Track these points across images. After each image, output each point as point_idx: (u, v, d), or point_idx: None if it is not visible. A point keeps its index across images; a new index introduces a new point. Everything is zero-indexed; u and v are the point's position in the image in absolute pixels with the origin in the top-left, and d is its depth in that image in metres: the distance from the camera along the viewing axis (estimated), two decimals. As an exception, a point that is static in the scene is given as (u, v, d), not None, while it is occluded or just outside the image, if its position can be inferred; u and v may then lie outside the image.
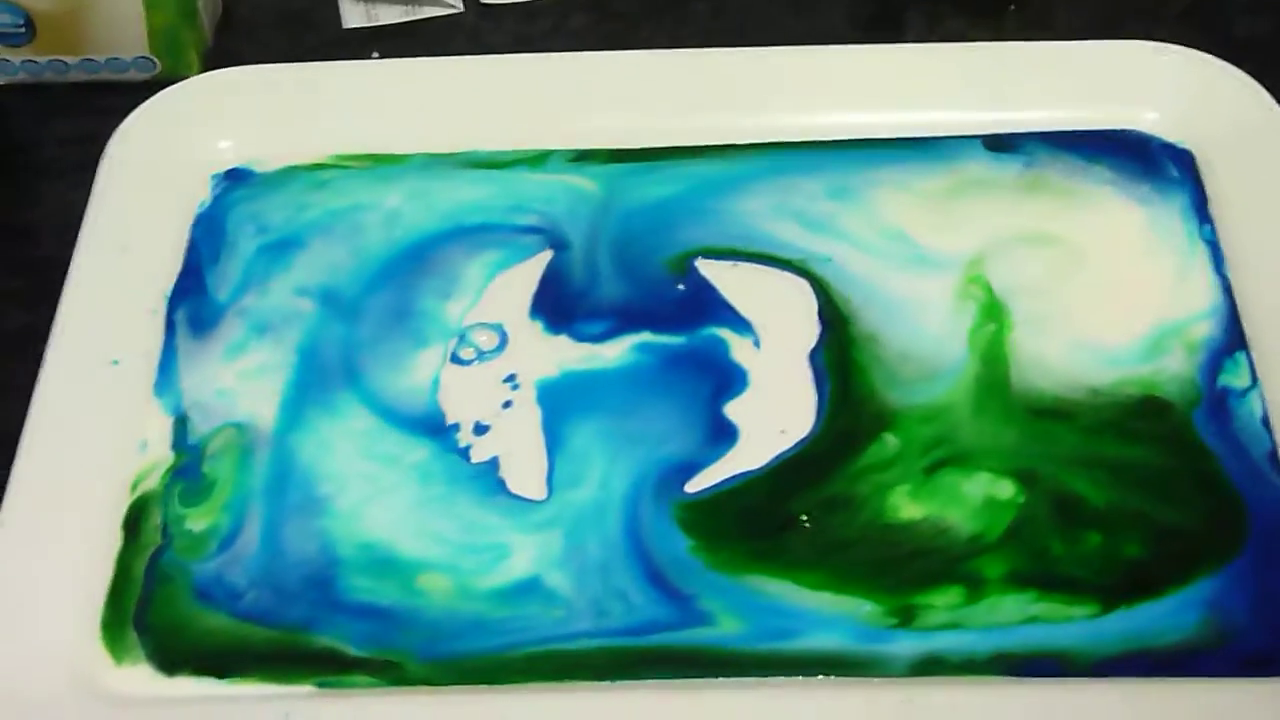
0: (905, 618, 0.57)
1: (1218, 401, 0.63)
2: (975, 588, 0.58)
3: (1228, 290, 0.66)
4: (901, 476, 0.61)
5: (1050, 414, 0.62)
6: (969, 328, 0.65)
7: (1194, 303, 0.66)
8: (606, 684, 0.56)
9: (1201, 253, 0.67)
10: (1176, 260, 0.67)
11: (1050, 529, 0.59)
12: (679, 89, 0.72)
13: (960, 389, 0.63)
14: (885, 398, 0.63)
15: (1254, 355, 0.64)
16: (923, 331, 0.65)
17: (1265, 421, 0.62)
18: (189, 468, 0.62)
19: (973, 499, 0.60)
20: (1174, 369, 0.64)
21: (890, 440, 0.62)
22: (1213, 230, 0.68)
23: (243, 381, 0.65)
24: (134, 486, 0.62)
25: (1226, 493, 0.60)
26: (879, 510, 0.60)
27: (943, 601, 0.58)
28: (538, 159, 0.71)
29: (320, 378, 0.65)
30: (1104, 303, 0.66)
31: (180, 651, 0.58)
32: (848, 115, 0.72)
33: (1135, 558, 0.58)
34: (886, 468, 0.61)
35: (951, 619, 0.57)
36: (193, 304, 0.67)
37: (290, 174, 0.71)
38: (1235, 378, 0.63)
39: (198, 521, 0.61)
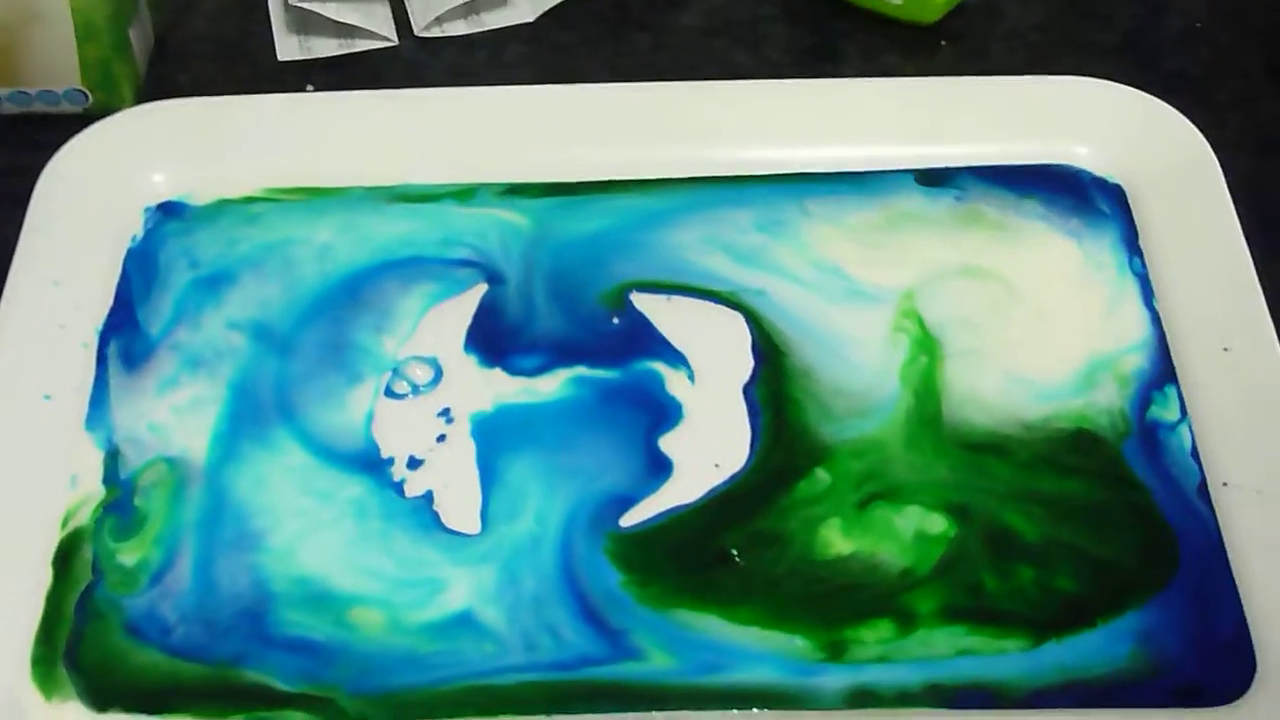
0: (835, 652, 0.57)
1: (1148, 434, 0.63)
2: (906, 622, 0.58)
3: (1157, 323, 0.66)
4: (833, 511, 0.61)
5: (983, 448, 0.63)
6: (901, 362, 0.65)
7: (1124, 336, 0.66)
8: (538, 718, 0.56)
9: (1131, 286, 0.68)
10: (1107, 293, 0.68)
11: (982, 563, 0.60)
12: (612, 123, 0.72)
13: (893, 424, 0.64)
14: (818, 433, 0.63)
15: (1183, 388, 0.64)
16: (856, 366, 0.65)
17: (1194, 454, 0.62)
18: (120, 503, 0.62)
19: (904, 534, 0.60)
20: (1105, 402, 0.64)
21: (821, 475, 0.62)
22: (1143, 264, 0.68)
23: (175, 416, 0.64)
24: (64, 522, 0.61)
25: (1157, 525, 0.61)
26: (810, 545, 0.60)
27: (873, 636, 0.58)
28: (466, 193, 0.71)
29: (253, 413, 0.64)
30: (1036, 336, 0.66)
31: (111, 688, 0.57)
32: (781, 150, 0.72)
33: (1067, 590, 0.59)
34: (818, 503, 0.61)
35: (882, 653, 0.57)
36: (125, 338, 0.67)
37: (223, 207, 0.71)
38: (1165, 410, 0.64)
39: (129, 556, 0.60)
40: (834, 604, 0.59)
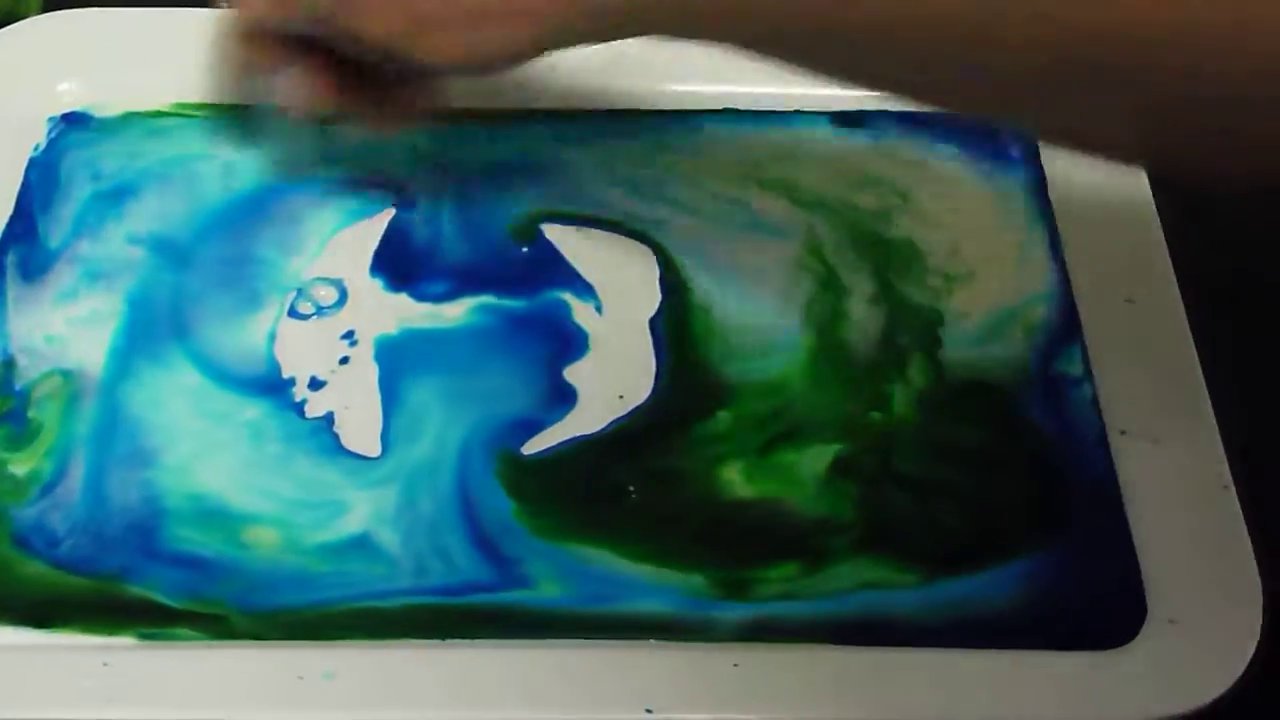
0: (733, 590, 0.57)
1: (1050, 386, 0.63)
2: (814, 562, 0.58)
3: (1063, 273, 0.66)
4: (734, 451, 0.61)
5: (885, 390, 0.63)
6: (804, 302, 0.65)
7: (1030, 285, 0.66)
8: (426, 641, 0.56)
9: (1040, 235, 0.68)
10: (1016, 241, 0.68)
11: (884, 503, 0.60)
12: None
13: (796, 364, 0.63)
14: (721, 371, 0.63)
15: (1087, 340, 0.64)
16: (760, 303, 0.65)
17: (1095, 403, 0.63)
18: (14, 413, 0.61)
19: (805, 474, 0.60)
20: (1008, 352, 0.64)
21: (723, 416, 0.62)
22: (1052, 215, 0.68)
23: (73, 328, 0.64)
24: (-44, 433, 0.60)
25: (1051, 472, 0.61)
26: (709, 486, 0.60)
27: (779, 575, 0.58)
28: None
29: (152, 329, 0.64)
30: (943, 281, 0.67)
31: (-3, 601, 0.56)
32: (695, 85, 0.72)
33: (961, 530, 0.59)
34: (718, 442, 0.61)
35: (784, 590, 0.57)
36: (24, 248, 0.66)
37: (129, 120, 0.70)
38: (1069, 365, 0.64)
39: (20, 466, 0.59)
40: (736, 546, 0.58)
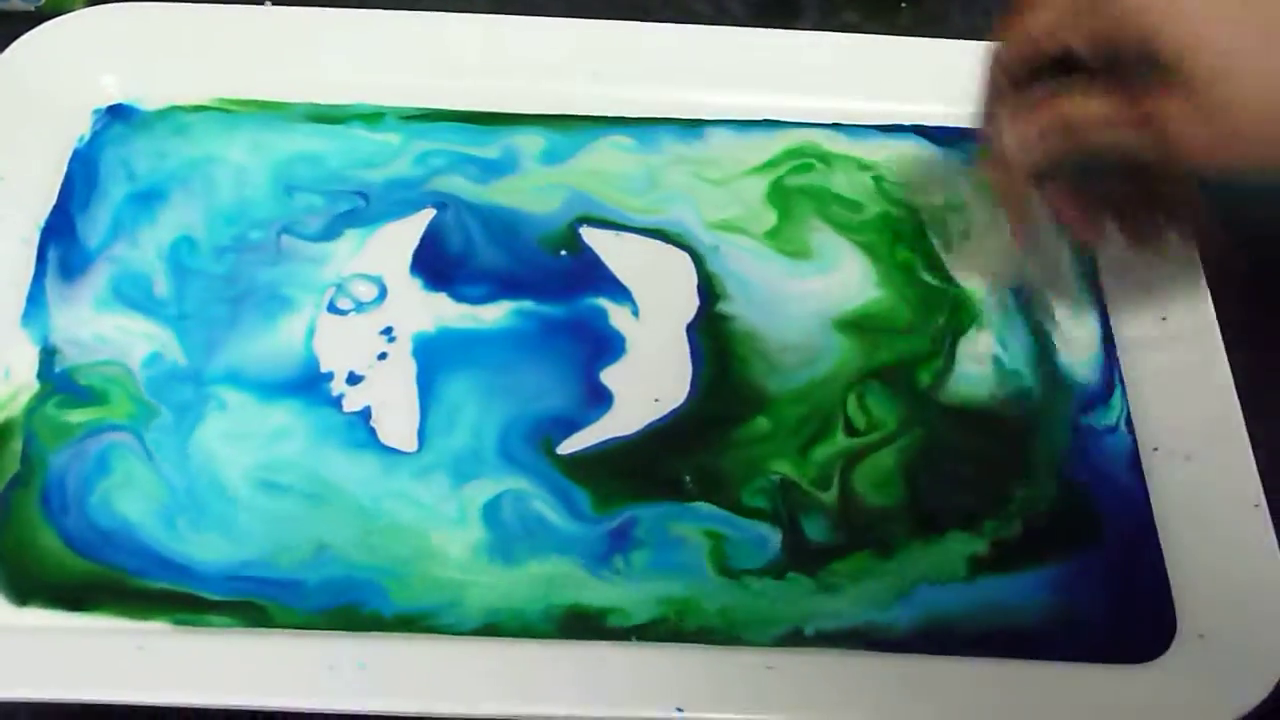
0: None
1: (1079, 433, 0.63)
2: (883, 550, 0.59)
3: (1108, 331, 0.66)
4: (775, 452, 0.61)
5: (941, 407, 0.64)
6: (839, 315, 0.66)
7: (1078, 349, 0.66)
8: (461, 636, 0.56)
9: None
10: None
11: (924, 499, 0.60)
12: (574, 59, 0.72)
13: (831, 373, 0.64)
14: (759, 380, 0.64)
15: (1119, 355, 0.65)
16: (797, 319, 0.65)
17: (1128, 423, 0.63)
18: (65, 387, 0.61)
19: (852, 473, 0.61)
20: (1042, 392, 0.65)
21: (761, 421, 0.62)
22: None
23: (120, 334, 0.63)
24: (-5, 412, 0.61)
25: (1084, 487, 0.61)
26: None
27: (852, 565, 0.59)
28: (374, 117, 0.71)
29: (190, 334, 0.64)
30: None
31: (32, 582, 0.56)
32: (731, 96, 0.72)
33: (998, 526, 0.60)
34: (759, 443, 0.62)
35: (856, 577, 0.58)
36: (64, 245, 0.66)
37: (171, 114, 0.70)
38: (1104, 418, 0.64)
39: (76, 415, 0.61)
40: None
